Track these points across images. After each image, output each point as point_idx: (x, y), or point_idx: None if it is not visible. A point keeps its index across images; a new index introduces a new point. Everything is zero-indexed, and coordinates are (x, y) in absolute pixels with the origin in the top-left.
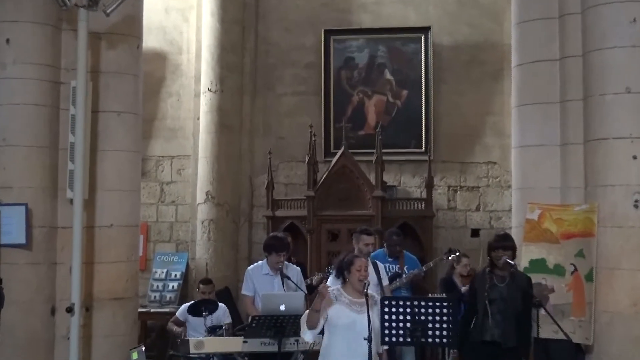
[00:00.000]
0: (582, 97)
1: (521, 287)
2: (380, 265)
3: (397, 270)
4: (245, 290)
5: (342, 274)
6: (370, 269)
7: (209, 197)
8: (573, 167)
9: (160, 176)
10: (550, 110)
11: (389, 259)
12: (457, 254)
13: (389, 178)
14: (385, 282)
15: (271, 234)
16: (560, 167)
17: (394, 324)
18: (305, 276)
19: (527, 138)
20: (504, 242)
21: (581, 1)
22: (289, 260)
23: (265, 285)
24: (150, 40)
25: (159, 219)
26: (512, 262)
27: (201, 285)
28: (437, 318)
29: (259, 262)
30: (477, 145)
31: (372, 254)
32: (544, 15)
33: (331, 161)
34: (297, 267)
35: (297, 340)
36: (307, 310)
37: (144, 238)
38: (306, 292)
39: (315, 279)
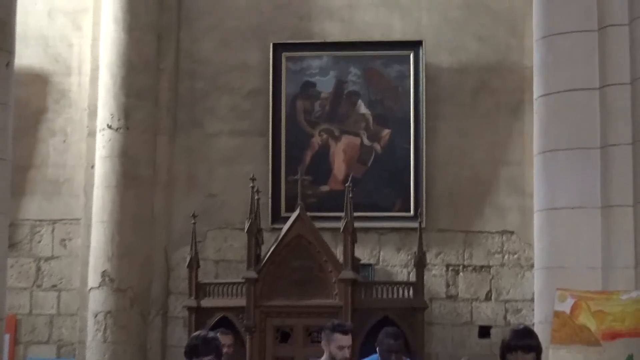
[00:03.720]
0: (632, 141)
1: None
2: None
3: None
4: None
5: None
6: None
7: (106, 279)
8: (619, 238)
9: (36, 249)
10: (588, 157)
11: None
12: None
13: (363, 253)
14: None
15: (194, 333)
16: (601, 238)
17: None
18: None
19: (556, 198)
20: (525, 341)
21: (629, 8)
22: None
23: None
24: (25, 56)
25: (34, 310)
26: None
27: None
28: None
29: None
30: (488, 208)
31: None
32: (578, 27)
33: (282, 229)
34: None
35: None
36: None
37: (11, 338)
38: None
39: None
